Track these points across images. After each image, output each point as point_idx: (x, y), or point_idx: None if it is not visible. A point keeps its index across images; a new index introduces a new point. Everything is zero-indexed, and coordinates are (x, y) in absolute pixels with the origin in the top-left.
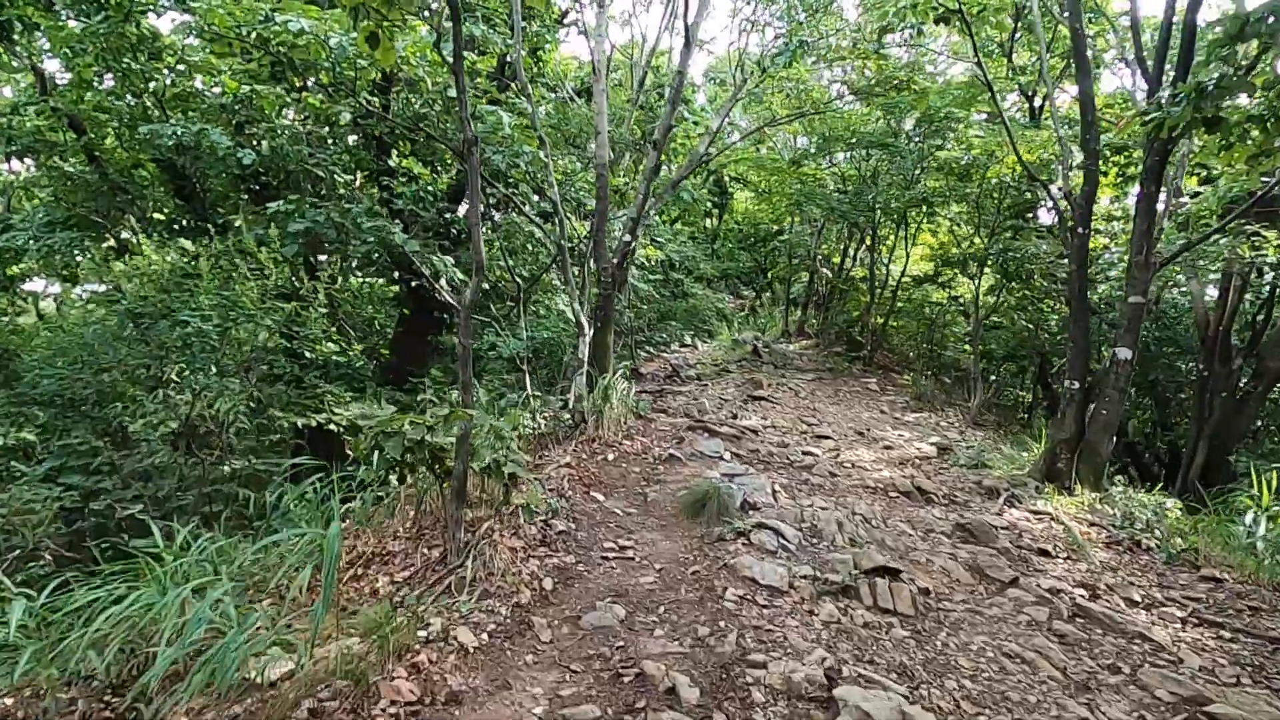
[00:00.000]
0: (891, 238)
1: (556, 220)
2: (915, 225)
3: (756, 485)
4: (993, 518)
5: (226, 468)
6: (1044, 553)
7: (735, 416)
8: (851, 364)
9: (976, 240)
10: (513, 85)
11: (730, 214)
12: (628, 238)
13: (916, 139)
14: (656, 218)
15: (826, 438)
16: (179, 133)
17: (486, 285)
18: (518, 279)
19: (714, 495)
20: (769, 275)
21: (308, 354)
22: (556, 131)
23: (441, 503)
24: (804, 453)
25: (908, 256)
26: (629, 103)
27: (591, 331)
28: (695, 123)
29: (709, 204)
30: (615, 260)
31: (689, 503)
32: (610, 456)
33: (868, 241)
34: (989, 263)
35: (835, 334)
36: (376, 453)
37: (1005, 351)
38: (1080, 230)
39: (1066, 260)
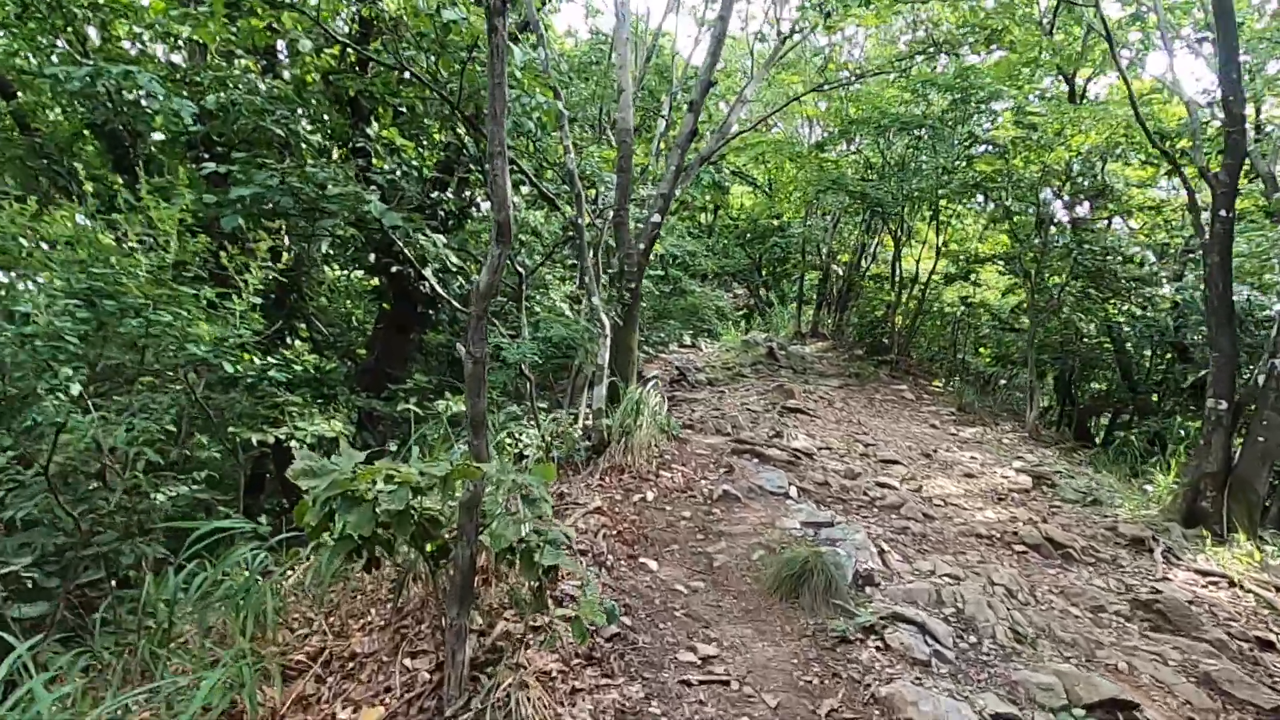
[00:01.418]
0: (922, 230)
1: (574, 195)
2: (949, 217)
3: (856, 542)
4: (1166, 585)
5: (158, 496)
6: (1266, 645)
7: (779, 435)
8: (878, 369)
9: (1001, 235)
10: (521, 36)
11: (726, 209)
12: (656, 218)
13: (951, 120)
14: None
15: (894, 463)
16: (94, 76)
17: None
18: (519, 268)
19: (815, 566)
20: (764, 272)
21: (227, 366)
22: (567, 88)
23: (433, 588)
24: (879, 484)
25: (939, 252)
26: (634, 80)
27: (612, 331)
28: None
29: (708, 196)
30: (642, 245)
31: (781, 575)
32: (649, 495)
33: (886, 236)
34: (1054, 257)
35: (856, 335)
36: (333, 525)
37: (1022, 355)
38: (1223, 214)
39: (1203, 252)
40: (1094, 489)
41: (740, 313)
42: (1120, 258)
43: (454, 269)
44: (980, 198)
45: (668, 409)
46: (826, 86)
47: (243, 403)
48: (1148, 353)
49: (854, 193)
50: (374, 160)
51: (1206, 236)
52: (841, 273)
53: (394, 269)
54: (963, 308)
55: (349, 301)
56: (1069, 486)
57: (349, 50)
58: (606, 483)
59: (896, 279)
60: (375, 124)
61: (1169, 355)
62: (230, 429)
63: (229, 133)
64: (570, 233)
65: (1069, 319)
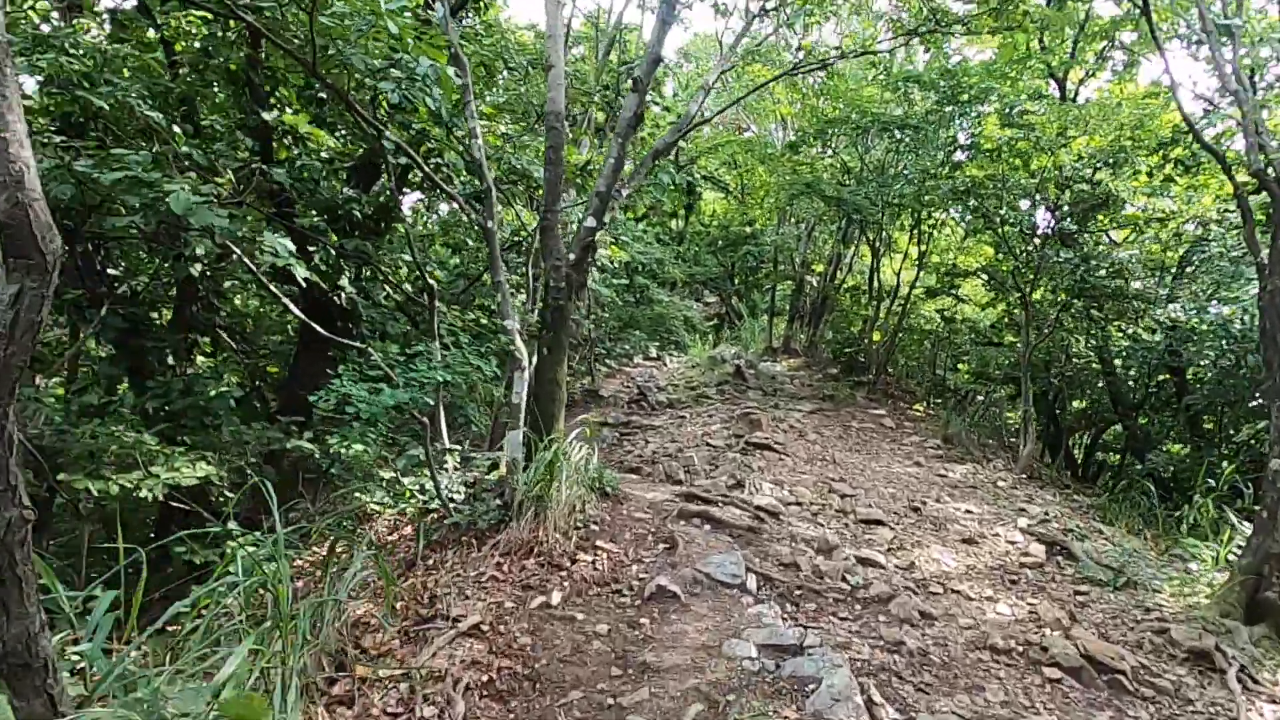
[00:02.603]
0: (901, 241)
1: (483, 191)
2: (931, 226)
3: (835, 687)
4: None
5: None
6: None
7: (739, 485)
8: (854, 390)
9: (984, 247)
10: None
11: (697, 215)
12: (592, 222)
13: (934, 121)
14: (620, 213)
15: (877, 523)
16: None
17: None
18: (430, 279)
19: None
20: (737, 281)
21: None
22: (501, 69)
23: None
24: (861, 560)
25: (920, 263)
26: (594, 75)
27: (533, 364)
28: (666, 109)
29: (678, 201)
30: (572, 256)
31: None
32: (555, 596)
33: (864, 246)
34: (1057, 273)
35: (831, 352)
36: None
37: (1004, 373)
38: None
39: (1264, 270)
40: (1121, 561)
41: (710, 323)
42: (1133, 276)
43: (303, 285)
44: (959, 208)
45: (598, 459)
46: (801, 70)
47: (83, 441)
48: (1135, 374)
49: (830, 198)
50: (280, 150)
51: (1264, 255)
52: (816, 284)
53: (304, 276)
54: (941, 323)
55: (274, 310)
56: (1089, 558)
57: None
58: (504, 571)
59: (875, 292)
60: (289, 109)
61: (1162, 378)
62: (60, 476)
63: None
64: (520, 237)
65: (1059, 338)
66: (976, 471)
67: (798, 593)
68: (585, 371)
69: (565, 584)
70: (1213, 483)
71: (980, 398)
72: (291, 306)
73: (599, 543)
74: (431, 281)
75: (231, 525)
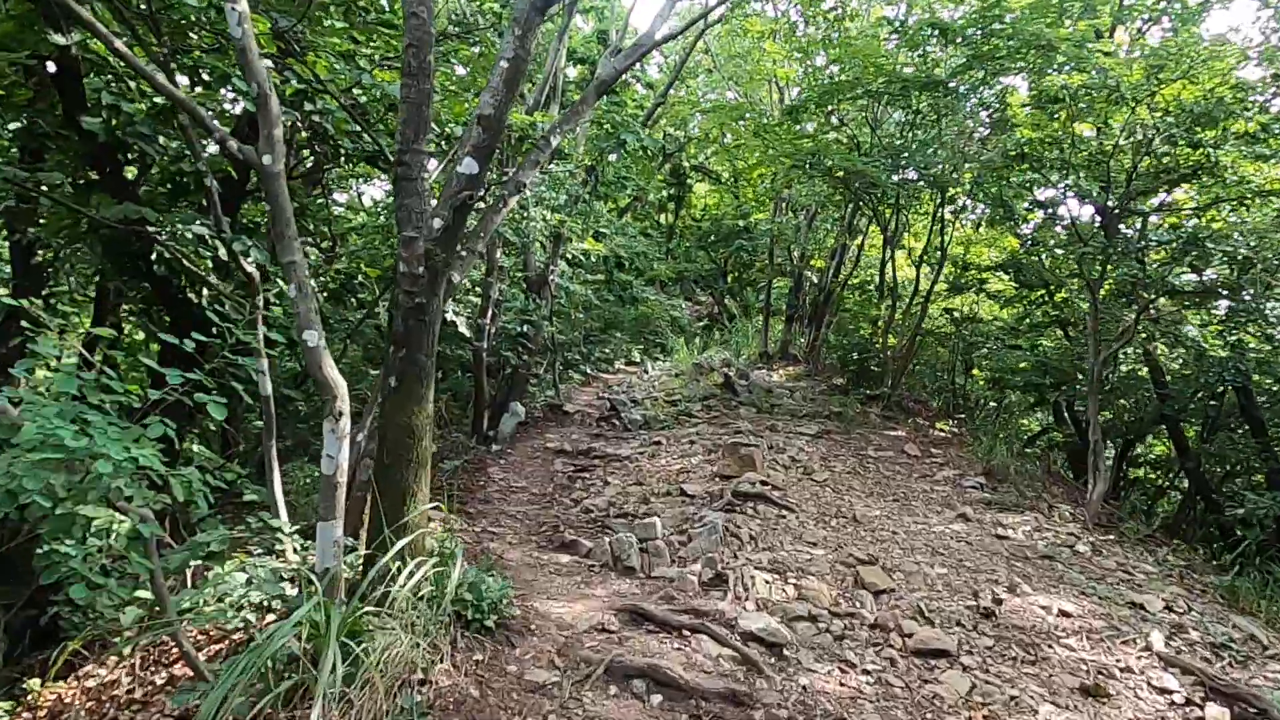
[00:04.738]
0: (918, 229)
1: (259, 101)
2: (955, 211)
3: None
4: None
5: None
6: None
7: (721, 578)
8: (866, 406)
9: (1006, 239)
10: None
11: (689, 208)
12: (471, 166)
13: (965, 84)
14: (599, 204)
15: (940, 655)
16: None
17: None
18: (249, 266)
19: None
20: (730, 279)
21: None
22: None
23: None
24: None
25: (944, 254)
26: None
27: (382, 401)
28: (650, 86)
29: (665, 195)
30: (438, 222)
31: None
32: None
33: (873, 234)
34: (1115, 265)
35: (839, 359)
36: None
37: (1024, 380)
38: None
39: None
40: None
41: (701, 323)
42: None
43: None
44: (997, 182)
45: (455, 576)
46: None
47: None
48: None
49: (836, 175)
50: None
51: None
52: (817, 280)
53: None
54: (964, 323)
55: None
56: None
57: None
58: None
59: (887, 288)
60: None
61: (1223, 392)
62: None
63: None
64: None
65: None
66: (1040, 525)
67: None
68: (550, 383)
69: None
70: None
71: (994, 404)
72: None
73: None
74: (251, 269)
75: None
